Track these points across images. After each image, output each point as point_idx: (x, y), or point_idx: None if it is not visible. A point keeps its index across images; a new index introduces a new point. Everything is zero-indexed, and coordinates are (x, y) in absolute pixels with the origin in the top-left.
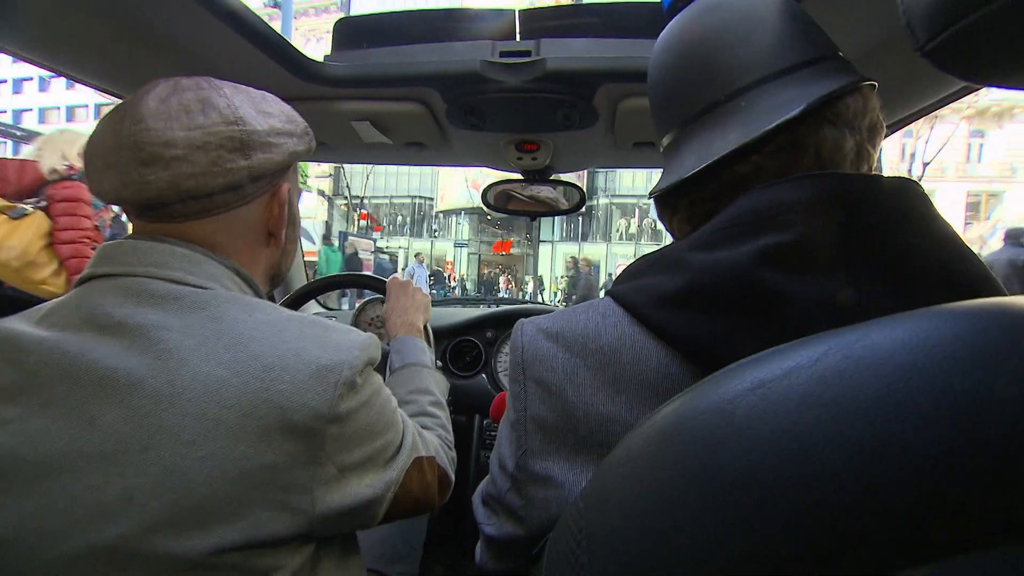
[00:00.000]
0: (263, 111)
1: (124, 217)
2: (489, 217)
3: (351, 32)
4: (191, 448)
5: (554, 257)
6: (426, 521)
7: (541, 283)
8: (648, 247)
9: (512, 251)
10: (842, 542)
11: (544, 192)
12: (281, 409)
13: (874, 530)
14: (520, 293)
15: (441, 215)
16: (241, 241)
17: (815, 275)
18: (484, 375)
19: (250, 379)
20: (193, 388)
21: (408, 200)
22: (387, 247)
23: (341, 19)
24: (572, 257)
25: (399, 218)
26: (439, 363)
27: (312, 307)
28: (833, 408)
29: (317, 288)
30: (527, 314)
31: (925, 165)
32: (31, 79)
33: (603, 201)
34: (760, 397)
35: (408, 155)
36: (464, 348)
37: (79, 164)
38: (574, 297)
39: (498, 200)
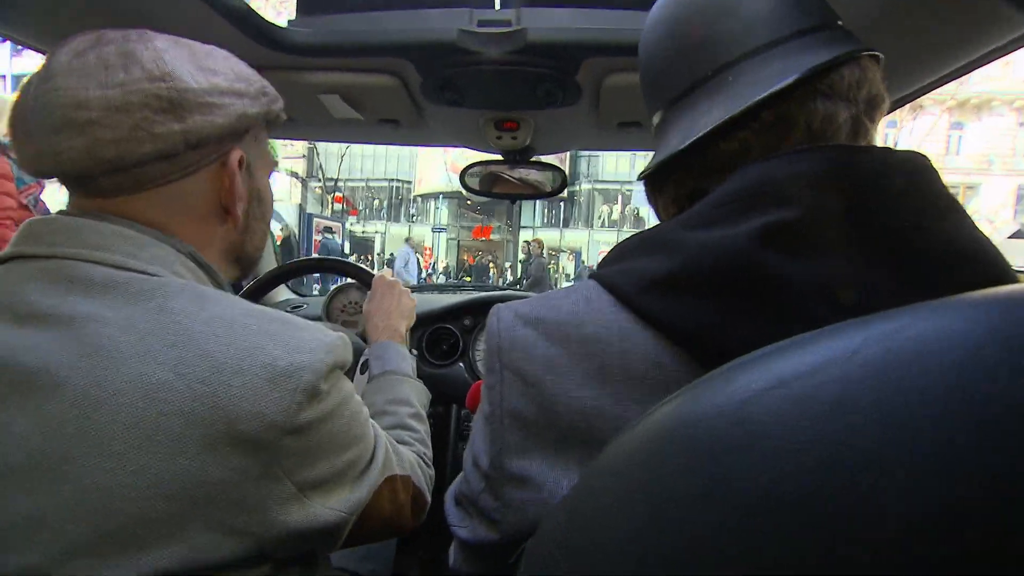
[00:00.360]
0: (205, 67)
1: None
2: (469, 202)
3: None
4: (120, 461)
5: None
6: None
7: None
8: (630, 234)
9: (492, 237)
10: None
11: (525, 174)
12: (230, 417)
13: (940, 563)
14: (500, 280)
15: (419, 199)
16: (188, 219)
17: (819, 256)
18: (462, 363)
19: (195, 381)
20: (127, 392)
21: (385, 183)
22: (363, 232)
23: None
24: (526, 241)
25: (376, 202)
26: (414, 352)
27: (282, 292)
28: (877, 414)
29: (292, 270)
30: (506, 300)
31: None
32: None
33: (585, 187)
34: (781, 398)
35: (382, 133)
36: (441, 336)
37: None
38: (524, 282)
39: (478, 183)
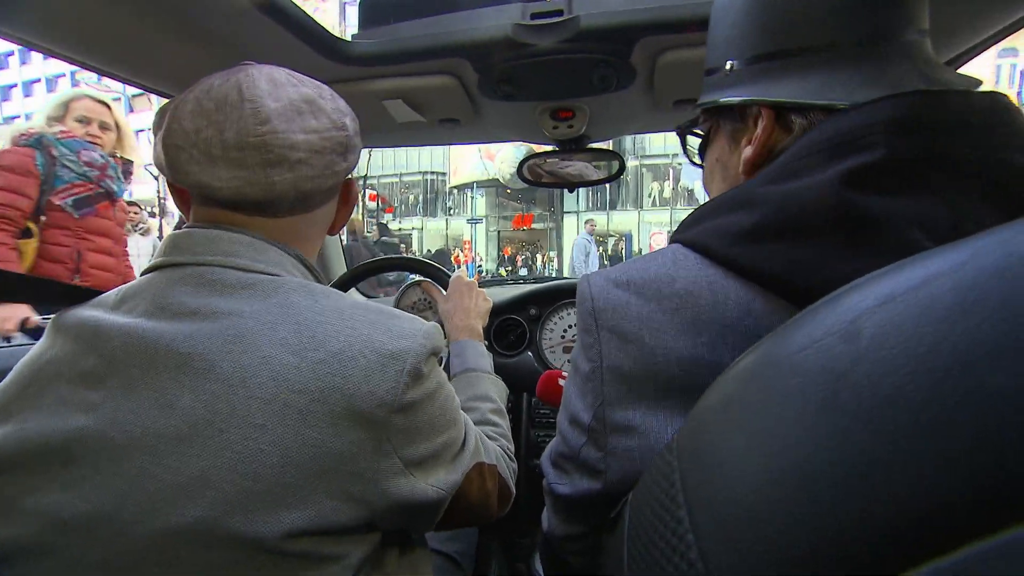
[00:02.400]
0: (345, 111)
1: None
2: (508, 191)
3: (377, 8)
4: (261, 432)
5: (580, 229)
6: None
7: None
8: (684, 212)
9: (534, 225)
10: (1008, 483)
11: (581, 163)
12: (348, 396)
13: None
14: (545, 270)
15: (455, 191)
16: (315, 233)
17: (907, 192)
18: (530, 352)
19: (318, 365)
20: (263, 373)
21: (419, 177)
22: (399, 229)
23: None
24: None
25: (411, 197)
26: (484, 343)
27: (352, 292)
28: (1001, 311)
29: (375, 268)
30: (570, 289)
31: None
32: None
33: (632, 164)
34: (892, 312)
35: (442, 134)
36: (509, 327)
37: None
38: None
39: (534, 174)
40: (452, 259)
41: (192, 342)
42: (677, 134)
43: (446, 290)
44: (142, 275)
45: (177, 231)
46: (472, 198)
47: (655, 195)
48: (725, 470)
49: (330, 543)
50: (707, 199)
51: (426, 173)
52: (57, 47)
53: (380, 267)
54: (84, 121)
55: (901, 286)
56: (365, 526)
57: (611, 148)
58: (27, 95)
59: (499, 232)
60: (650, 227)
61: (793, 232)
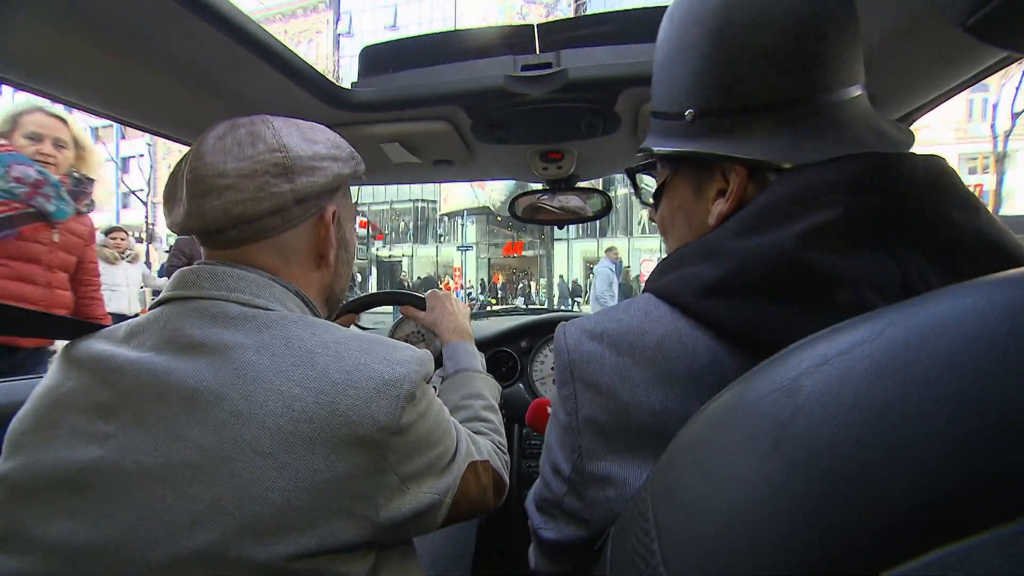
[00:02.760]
0: (309, 139)
1: None
2: (499, 218)
3: (376, 58)
4: (269, 460)
5: (571, 256)
6: (475, 527)
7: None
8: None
9: (524, 253)
10: (926, 507)
11: (571, 200)
12: (351, 422)
13: (960, 494)
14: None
15: (446, 218)
16: (294, 264)
17: (862, 251)
18: (521, 384)
19: (320, 394)
20: (269, 403)
21: (410, 204)
22: (390, 255)
23: (366, 47)
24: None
25: (401, 224)
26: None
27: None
28: (903, 376)
29: (354, 307)
30: (562, 320)
31: (1015, 116)
32: None
33: (622, 191)
34: (826, 373)
35: (437, 173)
36: (500, 359)
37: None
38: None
39: (525, 212)
40: (442, 286)
41: (200, 376)
42: (627, 175)
43: (423, 309)
44: (150, 309)
45: (185, 267)
46: (463, 225)
47: (644, 222)
48: (690, 508)
49: (334, 562)
50: (666, 242)
51: (417, 201)
52: (76, 99)
53: (356, 307)
54: (35, 138)
55: (834, 350)
56: (367, 543)
57: (599, 187)
58: None
59: (489, 260)
60: (640, 254)
61: (756, 288)
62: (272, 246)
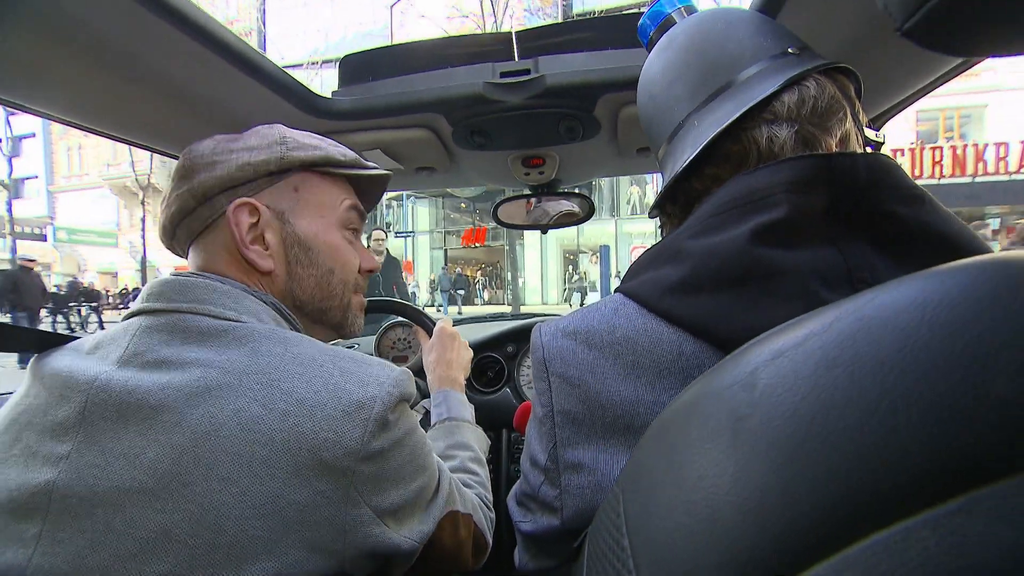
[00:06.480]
0: (226, 138)
1: None
2: (463, 204)
3: (356, 67)
4: (226, 485)
5: (544, 248)
6: None
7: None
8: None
9: (489, 243)
10: (870, 491)
11: (554, 205)
12: (314, 445)
13: (894, 479)
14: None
15: (395, 203)
16: (231, 267)
17: (809, 245)
18: (508, 389)
19: (283, 415)
20: (229, 424)
21: None
22: None
23: (346, 56)
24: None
25: None
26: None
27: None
28: (849, 368)
29: (370, 309)
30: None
31: None
32: None
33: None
34: (780, 366)
35: (420, 179)
36: (487, 364)
37: None
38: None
39: (509, 216)
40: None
41: (162, 395)
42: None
43: (430, 336)
44: (123, 320)
45: (156, 279)
46: (413, 208)
47: (635, 201)
48: (658, 502)
49: None
50: None
51: None
52: (56, 112)
53: (371, 309)
54: None
55: (788, 343)
56: (335, 575)
57: (582, 192)
58: None
59: (446, 250)
60: (630, 239)
61: (714, 284)
62: (204, 247)
